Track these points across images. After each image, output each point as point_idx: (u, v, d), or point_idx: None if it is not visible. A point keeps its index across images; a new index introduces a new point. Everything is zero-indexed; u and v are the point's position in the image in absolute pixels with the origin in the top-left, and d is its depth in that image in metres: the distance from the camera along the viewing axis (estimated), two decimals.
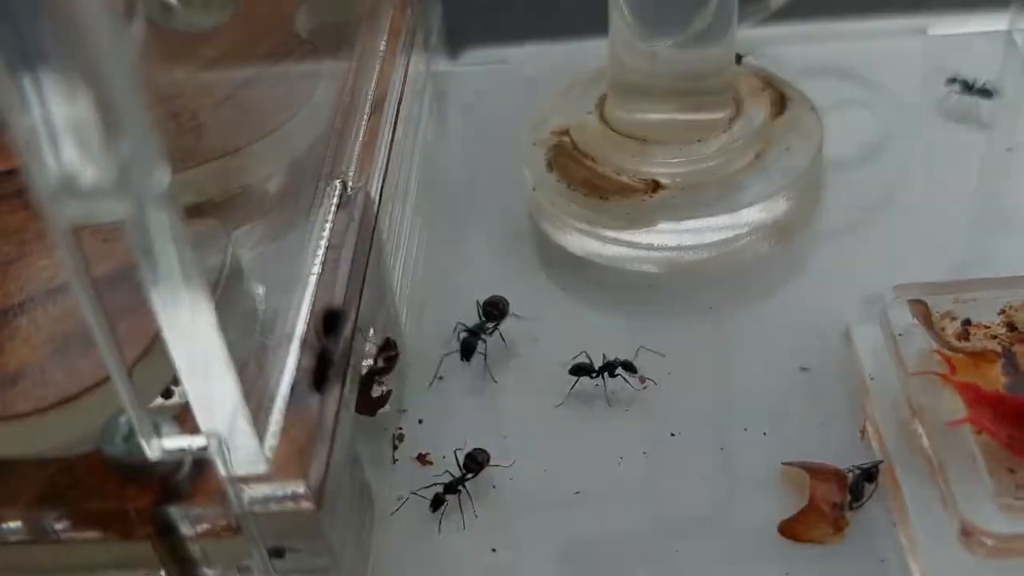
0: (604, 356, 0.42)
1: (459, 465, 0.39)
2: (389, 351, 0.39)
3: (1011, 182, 0.52)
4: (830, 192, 0.49)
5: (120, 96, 0.22)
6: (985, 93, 0.53)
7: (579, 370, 0.42)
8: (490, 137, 0.56)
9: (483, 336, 0.43)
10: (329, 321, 0.32)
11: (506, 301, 0.44)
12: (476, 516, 0.38)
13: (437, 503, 0.38)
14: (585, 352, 0.42)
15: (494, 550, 0.37)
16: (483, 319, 0.43)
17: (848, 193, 0.50)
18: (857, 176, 0.51)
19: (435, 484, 0.38)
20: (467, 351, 0.43)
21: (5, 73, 0.22)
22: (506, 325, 0.44)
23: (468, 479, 0.38)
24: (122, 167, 0.23)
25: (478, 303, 0.44)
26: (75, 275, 0.25)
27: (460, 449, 0.39)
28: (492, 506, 0.39)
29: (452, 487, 0.38)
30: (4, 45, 0.21)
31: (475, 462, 0.39)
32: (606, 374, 0.41)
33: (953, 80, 0.53)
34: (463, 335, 0.43)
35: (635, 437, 0.41)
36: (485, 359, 0.43)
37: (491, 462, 0.39)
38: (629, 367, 0.41)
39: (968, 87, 0.53)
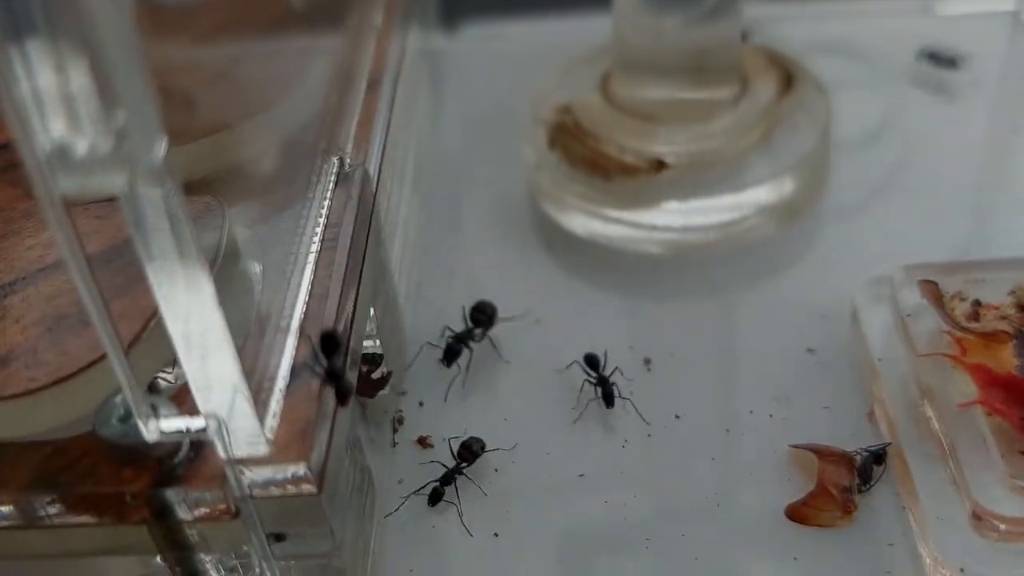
0: (605, 358, 0.40)
1: (453, 455, 0.38)
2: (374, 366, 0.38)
3: (1020, 162, 0.51)
4: (837, 171, 0.49)
5: (116, 61, 0.22)
6: (950, 63, 0.53)
7: (589, 360, 0.40)
8: (489, 115, 0.55)
9: (468, 344, 0.41)
10: (327, 344, 0.31)
11: (494, 307, 0.42)
12: (478, 499, 0.37)
13: (435, 498, 0.37)
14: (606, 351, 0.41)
15: (496, 534, 0.37)
16: (471, 325, 0.42)
17: (855, 173, 0.49)
18: (864, 156, 0.51)
19: (430, 483, 0.37)
20: (450, 356, 0.41)
21: None
22: (506, 308, 0.43)
23: (464, 468, 0.38)
24: (118, 136, 0.22)
25: (464, 308, 0.42)
26: (70, 251, 0.24)
27: (456, 438, 0.38)
28: (494, 490, 0.38)
29: (448, 478, 0.37)
30: None
31: (469, 451, 0.38)
32: (596, 385, 0.40)
33: (924, 54, 0.54)
34: (448, 339, 0.41)
35: (639, 419, 0.40)
36: (467, 370, 0.41)
37: (492, 446, 0.38)
38: (608, 399, 0.40)
39: (935, 59, 0.53)
